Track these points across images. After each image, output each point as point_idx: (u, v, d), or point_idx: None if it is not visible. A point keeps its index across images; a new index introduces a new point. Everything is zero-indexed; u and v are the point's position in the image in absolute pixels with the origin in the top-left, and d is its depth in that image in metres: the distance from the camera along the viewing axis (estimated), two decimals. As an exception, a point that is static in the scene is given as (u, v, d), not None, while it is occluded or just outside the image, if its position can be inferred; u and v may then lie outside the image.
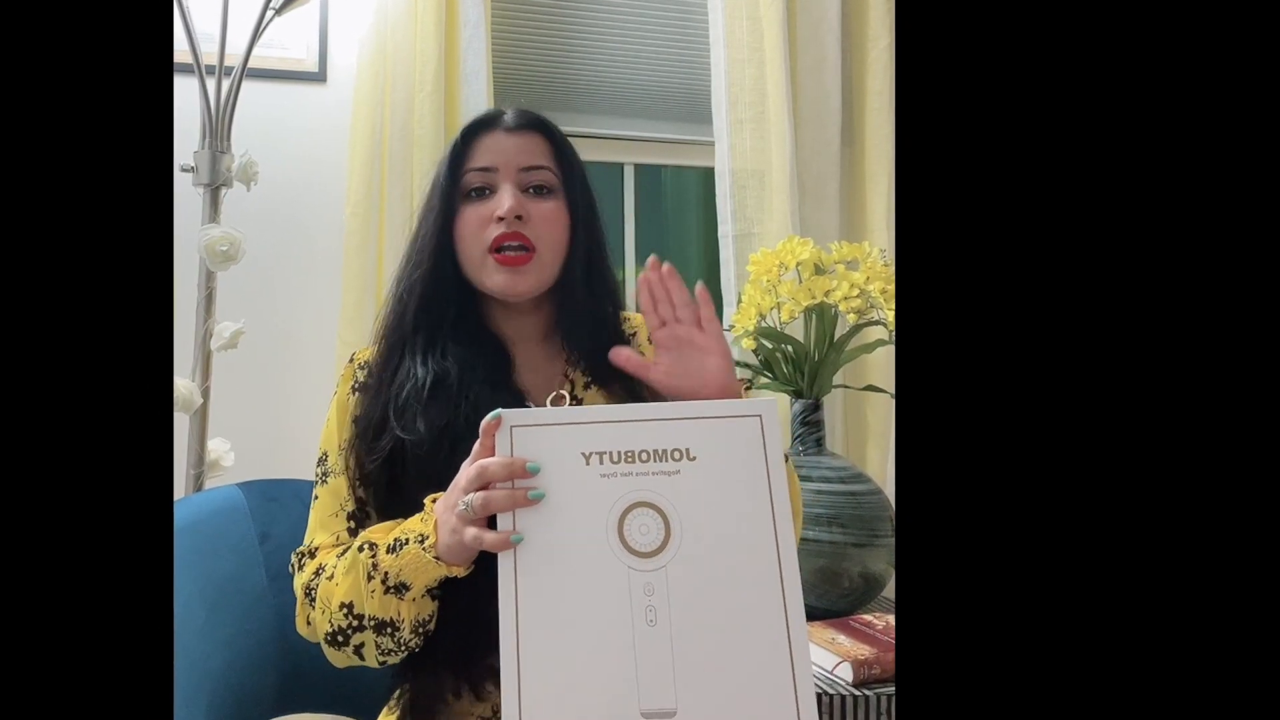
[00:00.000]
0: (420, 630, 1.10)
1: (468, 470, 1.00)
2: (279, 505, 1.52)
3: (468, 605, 1.09)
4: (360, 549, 1.09)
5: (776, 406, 1.00)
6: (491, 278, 1.22)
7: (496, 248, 1.20)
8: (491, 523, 0.98)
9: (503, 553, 0.95)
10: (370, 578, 1.07)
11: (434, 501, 1.08)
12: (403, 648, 1.10)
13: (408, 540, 1.06)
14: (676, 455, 0.97)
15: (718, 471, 0.96)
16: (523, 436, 0.97)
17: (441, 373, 1.20)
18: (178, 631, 1.28)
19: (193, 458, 1.90)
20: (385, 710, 1.25)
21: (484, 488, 0.98)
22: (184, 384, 1.85)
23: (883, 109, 2.51)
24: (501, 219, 1.20)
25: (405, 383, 1.20)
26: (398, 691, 1.20)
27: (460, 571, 1.05)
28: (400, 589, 1.07)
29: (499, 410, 0.99)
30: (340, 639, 1.11)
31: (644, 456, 0.97)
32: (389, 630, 1.08)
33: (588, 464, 0.96)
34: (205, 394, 1.91)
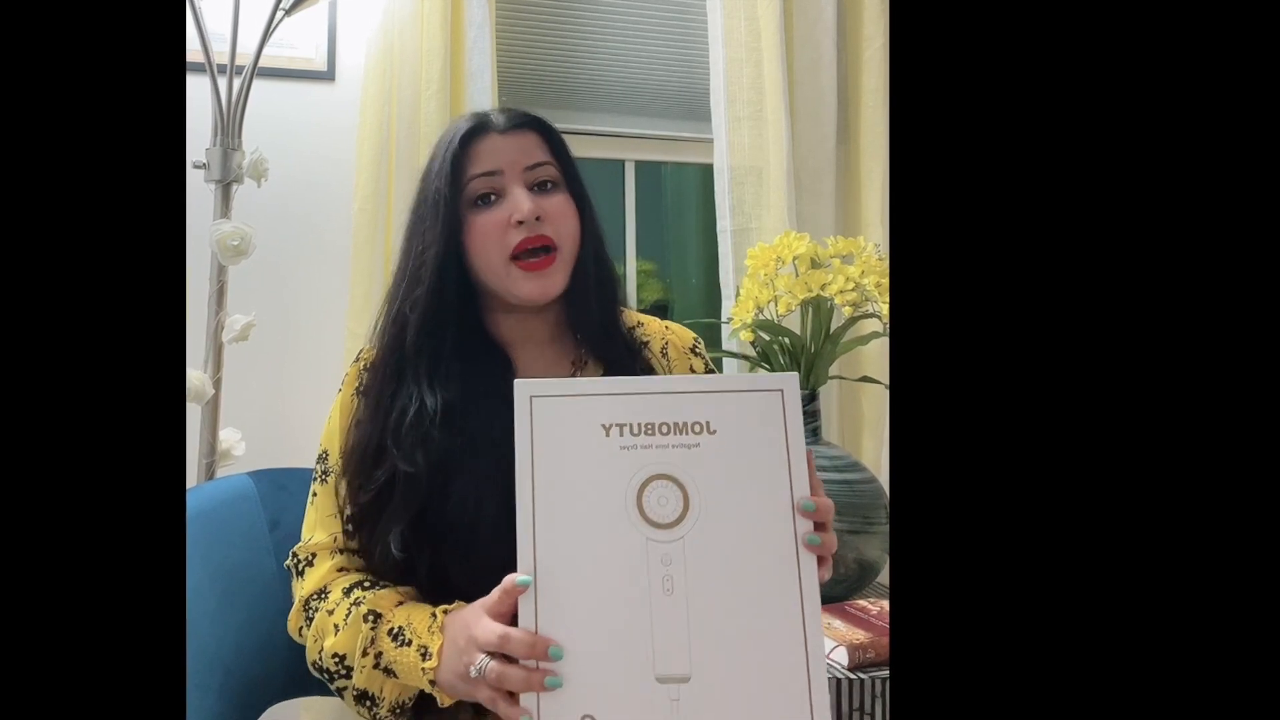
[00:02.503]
0: (398, 710, 1.10)
1: (488, 628, 0.93)
2: (288, 494, 1.52)
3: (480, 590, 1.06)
4: (365, 618, 1.08)
5: (798, 380, 0.97)
6: (519, 286, 1.17)
7: (518, 254, 1.16)
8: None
9: (521, 520, 0.91)
10: (365, 652, 1.07)
11: (445, 613, 1.05)
12: (374, 718, 1.11)
13: (410, 641, 1.05)
14: (696, 428, 0.94)
15: (737, 445, 0.94)
16: (542, 407, 0.94)
17: (447, 400, 1.15)
18: (189, 617, 1.28)
19: (204, 447, 1.90)
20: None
21: (503, 654, 0.92)
22: (196, 375, 1.85)
23: (877, 107, 2.50)
24: (521, 222, 1.15)
25: (408, 409, 1.15)
26: None
27: (449, 701, 1.04)
28: (389, 672, 1.07)
29: (520, 380, 0.95)
30: (326, 675, 1.12)
31: (664, 429, 0.94)
32: (368, 701, 1.10)
33: (607, 435, 0.94)
34: (217, 385, 1.91)
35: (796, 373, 1.03)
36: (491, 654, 0.93)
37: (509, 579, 0.92)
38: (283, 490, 1.53)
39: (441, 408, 1.14)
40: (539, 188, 1.20)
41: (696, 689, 0.89)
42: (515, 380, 0.95)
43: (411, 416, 1.15)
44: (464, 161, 1.19)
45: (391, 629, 1.07)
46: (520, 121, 1.22)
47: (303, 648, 1.17)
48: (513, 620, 0.93)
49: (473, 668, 0.94)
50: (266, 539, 1.46)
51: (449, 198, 1.17)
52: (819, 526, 0.94)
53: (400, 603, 1.11)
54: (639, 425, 0.94)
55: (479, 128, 1.21)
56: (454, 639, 1.01)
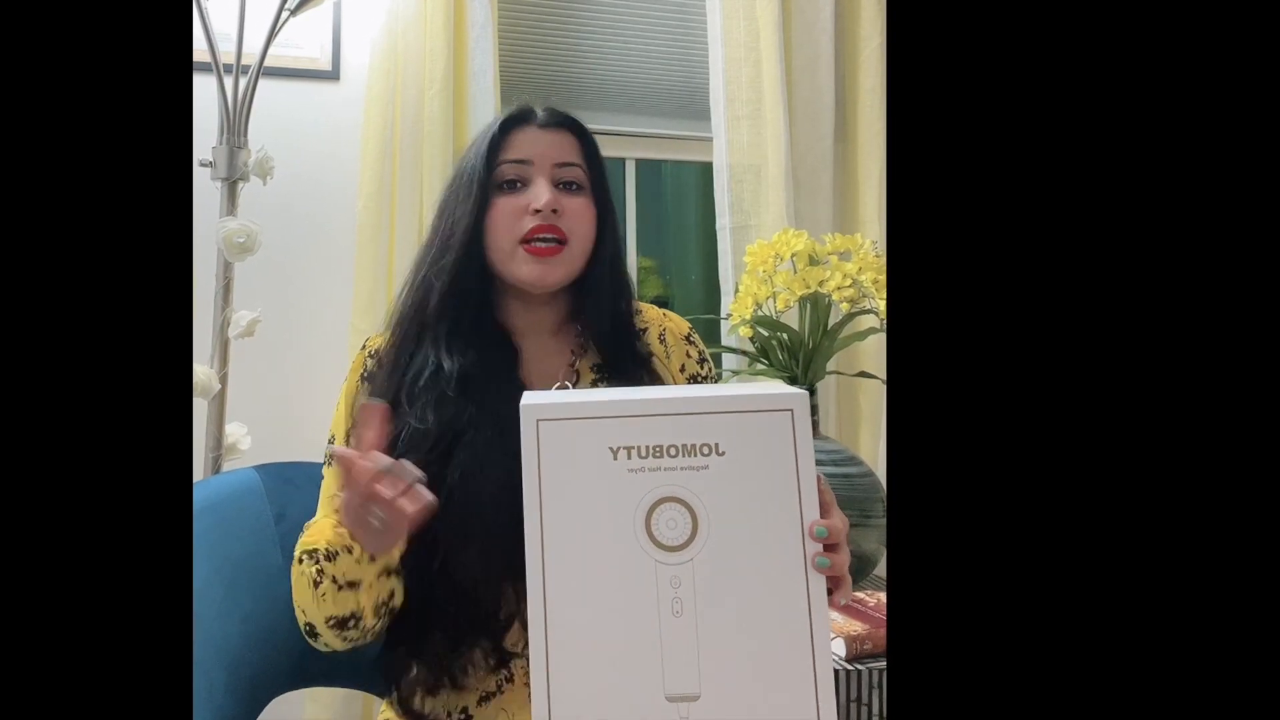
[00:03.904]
0: (382, 610, 1.12)
1: (352, 490, 1.00)
2: (294, 487, 1.52)
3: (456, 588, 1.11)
4: (299, 559, 1.11)
5: (808, 400, 0.94)
6: (521, 269, 1.20)
7: (529, 239, 1.19)
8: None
9: (530, 545, 0.91)
10: (318, 584, 1.08)
11: (337, 512, 1.08)
12: (368, 634, 1.13)
13: (336, 553, 1.07)
14: (705, 450, 0.92)
15: (747, 467, 0.92)
16: (549, 430, 0.92)
17: (465, 366, 1.18)
18: (196, 609, 1.28)
19: (211, 441, 1.91)
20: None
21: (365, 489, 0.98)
22: (203, 370, 1.85)
23: (874, 106, 2.50)
24: (538, 211, 1.19)
25: (424, 370, 1.19)
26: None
27: (396, 552, 1.08)
28: (353, 585, 1.08)
29: (526, 403, 0.93)
30: (311, 636, 1.14)
31: (672, 451, 0.91)
32: (351, 622, 1.10)
33: (615, 458, 0.91)
34: (223, 380, 1.91)
35: (806, 391, 1.02)
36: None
37: (334, 450, 1.03)
38: (288, 484, 1.53)
39: (457, 373, 1.18)
40: (564, 186, 1.23)
41: (705, 707, 0.88)
42: (522, 402, 0.93)
43: (427, 377, 1.18)
44: (500, 146, 1.24)
45: (325, 553, 1.09)
46: (560, 120, 1.27)
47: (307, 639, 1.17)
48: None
49: (373, 519, 1.00)
50: (272, 532, 1.47)
51: (482, 176, 1.22)
52: (831, 548, 0.92)
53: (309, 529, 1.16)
54: (647, 448, 0.92)
55: (521, 118, 1.26)
56: (353, 521, 1.04)
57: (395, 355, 1.23)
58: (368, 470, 0.97)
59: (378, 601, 1.10)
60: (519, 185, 1.22)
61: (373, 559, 1.06)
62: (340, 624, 1.10)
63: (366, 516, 1.00)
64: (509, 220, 1.20)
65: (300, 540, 1.13)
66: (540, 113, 1.27)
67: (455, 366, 1.18)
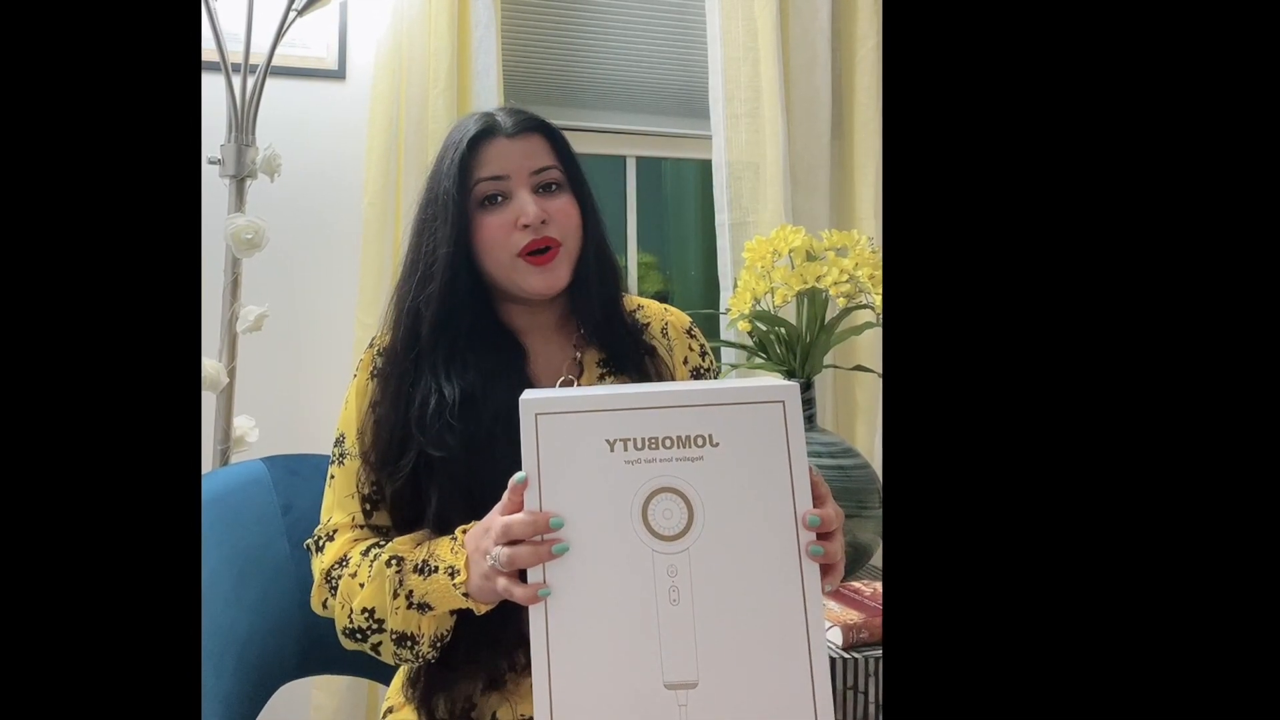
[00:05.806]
0: (438, 644, 1.11)
1: (496, 523, 0.95)
2: (301, 479, 1.52)
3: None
4: (388, 563, 1.08)
5: (798, 391, 0.94)
6: (525, 280, 1.19)
7: (526, 252, 1.17)
8: (522, 573, 0.93)
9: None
10: (395, 594, 1.07)
11: (464, 533, 1.06)
12: (419, 659, 1.11)
13: (437, 568, 1.06)
14: (699, 441, 0.92)
15: (740, 457, 0.92)
16: (547, 424, 0.93)
17: (467, 387, 1.16)
18: (205, 599, 1.28)
19: (219, 434, 1.91)
20: (400, 672, 1.25)
21: (511, 542, 0.93)
22: (211, 364, 1.85)
23: (871, 104, 2.50)
24: (527, 226, 1.17)
25: (429, 398, 1.16)
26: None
27: (485, 608, 1.05)
28: (423, 607, 1.07)
29: (525, 398, 0.93)
30: (359, 636, 1.12)
31: (667, 443, 0.92)
32: (408, 642, 1.09)
33: (611, 450, 0.92)
34: (231, 374, 1.91)
35: (797, 383, 1.02)
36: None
37: (514, 477, 0.93)
38: (295, 475, 1.53)
39: (460, 396, 1.15)
40: (544, 189, 1.21)
41: (703, 694, 0.88)
42: (520, 397, 0.94)
43: (433, 406, 1.15)
44: (472, 164, 1.20)
45: (416, 564, 1.07)
46: (527, 125, 1.22)
47: (313, 629, 1.17)
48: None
49: (488, 557, 0.95)
50: (279, 523, 1.47)
51: (458, 199, 1.18)
52: (825, 536, 0.93)
53: (419, 544, 1.12)
54: (642, 440, 0.92)
55: (487, 131, 1.21)
56: (475, 548, 1.02)
57: (396, 388, 1.20)
58: (544, 525, 0.91)
59: (435, 634, 1.10)
60: (500, 200, 1.19)
61: (466, 595, 1.04)
62: (400, 639, 1.09)
63: (488, 551, 0.96)
64: (500, 237, 1.18)
65: (388, 546, 1.11)
66: (505, 121, 1.22)
67: (456, 391, 1.16)
